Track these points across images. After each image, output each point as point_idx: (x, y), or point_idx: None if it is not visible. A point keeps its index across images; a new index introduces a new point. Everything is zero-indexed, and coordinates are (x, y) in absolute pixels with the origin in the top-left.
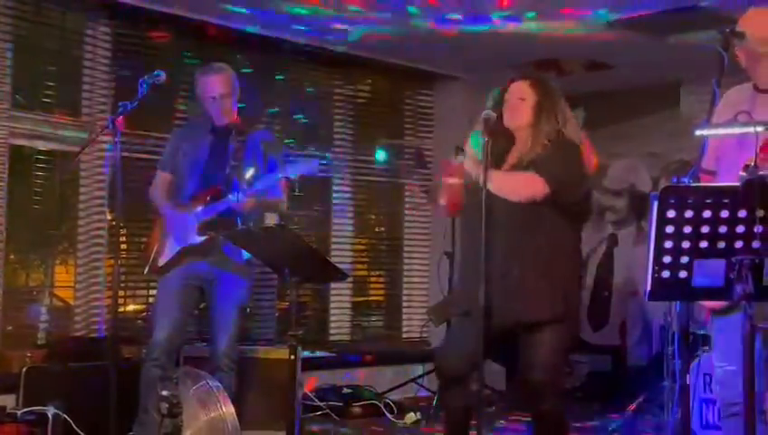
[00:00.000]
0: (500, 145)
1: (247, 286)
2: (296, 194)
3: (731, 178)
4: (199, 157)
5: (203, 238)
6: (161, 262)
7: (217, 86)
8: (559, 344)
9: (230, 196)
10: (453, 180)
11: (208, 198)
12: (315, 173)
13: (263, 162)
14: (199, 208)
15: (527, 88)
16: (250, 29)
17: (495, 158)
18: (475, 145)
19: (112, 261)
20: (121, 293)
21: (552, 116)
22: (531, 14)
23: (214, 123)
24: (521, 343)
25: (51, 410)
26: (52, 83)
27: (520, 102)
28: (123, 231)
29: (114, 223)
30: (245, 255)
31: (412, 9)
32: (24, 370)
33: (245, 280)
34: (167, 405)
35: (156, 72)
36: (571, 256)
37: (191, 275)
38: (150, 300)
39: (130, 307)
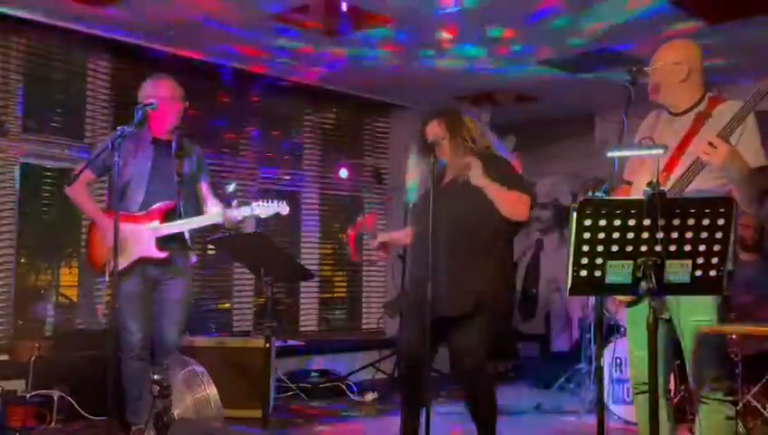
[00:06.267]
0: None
1: (191, 286)
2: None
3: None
4: (143, 169)
5: (164, 254)
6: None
7: (173, 88)
8: (485, 334)
9: (182, 222)
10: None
11: (163, 213)
12: (285, 213)
13: (199, 176)
14: (155, 223)
15: (439, 128)
16: (231, 63)
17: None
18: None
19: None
20: None
21: (462, 140)
22: (472, 53)
23: (154, 135)
24: (452, 333)
25: (56, 394)
26: (58, 110)
27: (442, 142)
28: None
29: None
30: (192, 259)
31: (378, 51)
32: (33, 358)
33: (190, 281)
34: (157, 387)
35: (149, 102)
36: (502, 260)
37: (146, 278)
38: None
39: None
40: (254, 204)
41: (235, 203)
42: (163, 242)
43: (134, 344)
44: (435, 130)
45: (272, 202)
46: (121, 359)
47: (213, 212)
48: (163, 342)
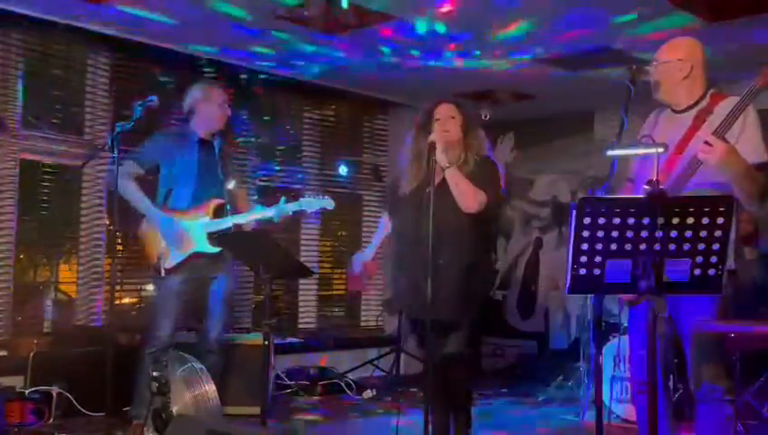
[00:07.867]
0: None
1: (233, 282)
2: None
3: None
4: (191, 167)
5: (218, 249)
6: (167, 265)
7: (223, 95)
8: (464, 333)
9: (241, 218)
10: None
11: (213, 209)
12: (331, 208)
13: (231, 172)
14: (206, 219)
15: (455, 109)
16: (230, 60)
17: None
18: None
19: (110, 260)
20: (117, 287)
21: (477, 135)
22: (472, 52)
23: (200, 136)
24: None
25: (55, 390)
26: (58, 106)
27: (451, 120)
28: (119, 234)
29: (111, 227)
30: None
31: (378, 49)
32: (32, 354)
33: (233, 276)
34: (156, 384)
35: (149, 97)
36: (483, 271)
37: (192, 276)
38: (143, 294)
39: (125, 300)
40: (301, 199)
41: (283, 199)
42: (218, 239)
43: (162, 341)
44: (451, 109)
45: (319, 197)
46: (144, 354)
47: (257, 208)
48: (206, 338)
